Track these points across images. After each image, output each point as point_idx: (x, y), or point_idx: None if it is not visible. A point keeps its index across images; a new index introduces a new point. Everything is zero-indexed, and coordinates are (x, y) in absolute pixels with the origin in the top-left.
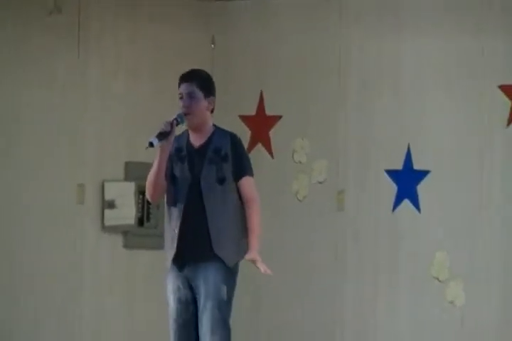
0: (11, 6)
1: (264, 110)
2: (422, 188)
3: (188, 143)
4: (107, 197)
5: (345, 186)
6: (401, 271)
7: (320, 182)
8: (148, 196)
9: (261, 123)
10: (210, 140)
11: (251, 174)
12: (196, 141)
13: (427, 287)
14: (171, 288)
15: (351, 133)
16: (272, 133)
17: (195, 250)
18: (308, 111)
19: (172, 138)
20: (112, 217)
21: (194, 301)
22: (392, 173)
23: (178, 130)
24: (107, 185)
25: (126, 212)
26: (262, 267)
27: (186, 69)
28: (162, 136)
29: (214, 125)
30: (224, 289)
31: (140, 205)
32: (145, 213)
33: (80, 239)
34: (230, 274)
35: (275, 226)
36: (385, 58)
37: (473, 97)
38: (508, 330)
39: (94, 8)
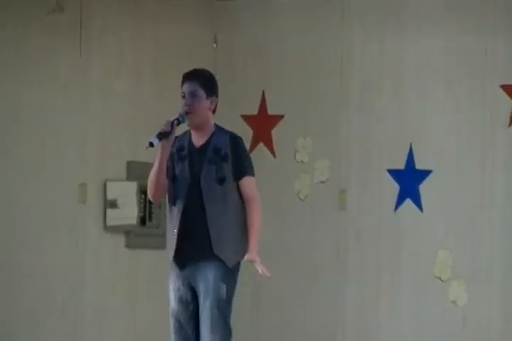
0: (13, 5)
1: (266, 109)
2: (424, 188)
3: (190, 143)
4: (109, 196)
5: (347, 186)
6: (403, 271)
7: (322, 182)
8: (149, 195)
9: (263, 122)
10: (210, 140)
11: (252, 174)
12: (197, 140)
13: (429, 286)
14: (172, 287)
15: (353, 133)
16: (274, 132)
17: (195, 250)
18: (310, 111)
19: (173, 138)
20: (114, 217)
21: (195, 301)
22: (394, 173)
23: (180, 129)
24: (109, 185)
25: (128, 212)
26: (260, 268)
27: (188, 68)
28: (162, 135)
29: (216, 125)
30: (223, 288)
31: (142, 205)
32: (147, 213)
33: (82, 239)
34: (230, 273)
35: (277, 225)
36: (386, 58)
37: (475, 97)
38: (510, 330)
39: (96, 7)
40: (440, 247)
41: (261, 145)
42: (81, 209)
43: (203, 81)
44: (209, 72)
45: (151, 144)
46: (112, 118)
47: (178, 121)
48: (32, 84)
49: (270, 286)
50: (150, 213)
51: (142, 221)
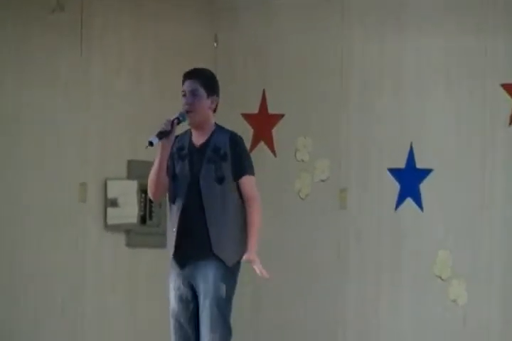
0: (14, 4)
1: (266, 108)
2: (425, 187)
3: (190, 142)
4: (110, 195)
5: (347, 184)
6: (403, 270)
7: (322, 181)
8: (150, 194)
9: (263, 121)
10: (210, 139)
11: (251, 173)
12: (197, 140)
13: (430, 286)
14: (172, 286)
15: (354, 132)
16: (274, 131)
17: (194, 249)
18: (310, 110)
19: (173, 137)
20: (114, 216)
21: (195, 300)
22: (394, 172)
23: (181, 128)
24: (109, 184)
25: (129, 211)
26: (259, 269)
27: (189, 67)
28: (162, 135)
29: (216, 124)
30: (223, 288)
31: (142, 204)
32: (147, 211)
33: (83, 238)
34: (230, 273)
35: (277, 224)
36: (386, 57)
37: (476, 96)
38: (510, 329)
39: (97, 6)
40: (440, 246)
41: (261, 144)
42: (81, 208)
43: (204, 80)
44: (210, 71)
45: (151, 143)
46: (112, 117)
47: (179, 120)
48: (32, 83)
49: (270, 285)
50: (150, 212)
51: (143, 220)
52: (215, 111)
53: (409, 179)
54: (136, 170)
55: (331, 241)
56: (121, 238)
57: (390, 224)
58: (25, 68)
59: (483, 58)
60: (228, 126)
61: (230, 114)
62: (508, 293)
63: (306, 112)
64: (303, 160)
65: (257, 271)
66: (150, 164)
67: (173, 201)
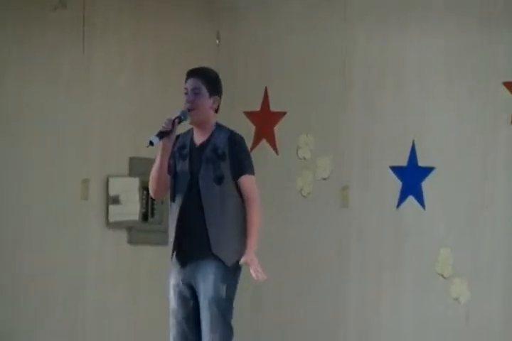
0: (15, 2)
1: (268, 106)
2: (427, 185)
3: (191, 141)
4: (112, 192)
5: (349, 182)
6: (405, 268)
7: (324, 179)
8: (151, 192)
9: (265, 119)
10: (210, 138)
11: (251, 172)
12: (198, 139)
13: (432, 284)
14: (172, 283)
15: (355, 130)
16: (276, 129)
17: (194, 248)
18: (312, 108)
19: (173, 136)
20: (116, 213)
21: (194, 298)
22: (396, 170)
23: (183, 127)
24: (111, 181)
25: (131, 208)
26: (255, 272)
27: (191, 65)
28: (163, 134)
29: (217, 123)
30: (223, 287)
31: (144, 201)
32: (149, 209)
33: (84, 235)
34: (231, 272)
35: (279, 222)
36: (389, 55)
37: (477, 94)
38: None
39: (99, 4)
40: (442, 244)
41: (263, 142)
42: (83, 206)
43: (206, 79)
44: (214, 71)
45: (151, 143)
46: (114, 115)
47: (180, 119)
48: (34, 80)
49: (271, 284)
50: (152, 209)
51: (144, 217)
52: (217, 111)
53: (411, 177)
54: (138, 167)
55: (332, 239)
56: (123, 235)
57: (392, 222)
58: (26, 66)
59: (484, 57)
60: (230, 124)
61: (232, 111)
62: (509, 291)
63: (308, 110)
64: (305, 158)
65: (253, 275)
66: (152, 161)
67: (173, 199)
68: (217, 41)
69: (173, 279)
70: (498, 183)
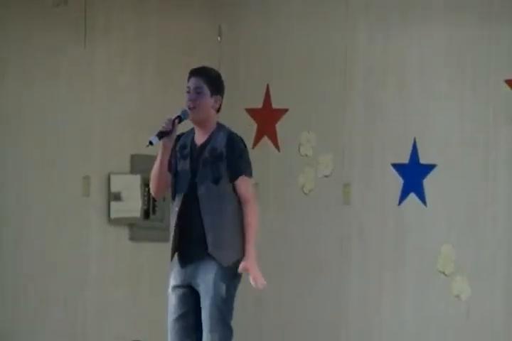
0: None
1: (270, 103)
2: (428, 182)
3: (192, 141)
4: (113, 189)
5: (351, 180)
6: (407, 265)
7: (326, 176)
8: (152, 191)
9: (267, 116)
10: (210, 139)
11: (248, 174)
12: (199, 139)
13: (433, 281)
14: (172, 284)
15: (357, 127)
16: (278, 126)
17: (192, 249)
18: (314, 105)
19: (174, 136)
20: (117, 210)
21: (193, 296)
22: (398, 167)
23: (184, 126)
24: (112, 178)
25: (132, 205)
26: (254, 279)
27: (192, 62)
28: (162, 134)
29: (218, 123)
30: (223, 287)
31: (146, 198)
32: (151, 206)
33: (86, 232)
34: (231, 272)
35: (281, 219)
36: (391, 53)
37: (479, 92)
38: None
39: (100, 1)
40: (444, 241)
41: (265, 139)
42: (85, 202)
43: (209, 79)
44: (216, 71)
45: (151, 143)
46: (116, 111)
47: (180, 119)
48: (35, 76)
49: (272, 283)
50: (154, 206)
51: (146, 214)
52: (218, 111)
53: (413, 174)
54: (139, 164)
55: (334, 236)
56: (124, 232)
57: (393, 219)
58: (28, 62)
59: (486, 54)
60: (232, 121)
61: (234, 108)
62: (510, 288)
63: (309, 107)
64: (306, 155)
65: (252, 283)
66: (153, 158)
67: (173, 198)
68: (219, 38)
69: (173, 280)
70: (500, 180)
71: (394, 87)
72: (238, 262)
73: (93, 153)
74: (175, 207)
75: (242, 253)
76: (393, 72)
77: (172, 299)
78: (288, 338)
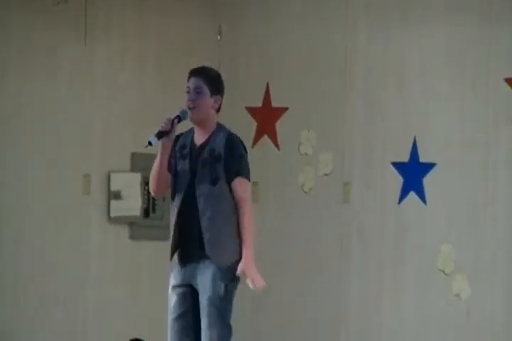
0: None
1: (270, 102)
2: (428, 181)
3: (192, 141)
4: (113, 187)
5: (351, 178)
6: (406, 264)
7: (326, 174)
8: (151, 191)
9: (267, 115)
10: (209, 139)
11: (245, 175)
12: (199, 139)
13: (433, 280)
14: (172, 283)
15: (357, 126)
16: (278, 125)
17: (192, 249)
18: (314, 103)
19: (173, 136)
20: (117, 208)
21: (193, 296)
22: (398, 166)
23: (184, 126)
24: (113, 176)
25: (132, 203)
26: (252, 281)
27: (193, 61)
28: (162, 134)
29: (218, 124)
30: (222, 287)
31: (146, 196)
32: (151, 204)
33: (86, 230)
34: (230, 272)
35: (281, 218)
36: (391, 53)
37: (479, 90)
38: None
39: None
40: (444, 240)
41: (265, 138)
42: (85, 201)
43: (209, 79)
44: (216, 71)
45: (150, 143)
46: (116, 110)
47: (179, 119)
48: (35, 74)
49: (272, 282)
50: (154, 205)
51: (146, 212)
52: (218, 111)
53: (413, 173)
54: (139, 162)
55: (334, 235)
56: (124, 230)
57: (393, 217)
58: (28, 61)
59: (485, 53)
60: (232, 120)
61: (234, 107)
62: (510, 287)
63: (309, 106)
64: (306, 154)
65: (250, 285)
66: (153, 157)
67: (173, 198)
68: (219, 37)
69: (174, 279)
70: (500, 180)
71: (394, 87)
72: (237, 262)
73: (93, 152)
74: (174, 207)
75: (240, 254)
76: (393, 72)
77: (172, 298)
78: (288, 337)
